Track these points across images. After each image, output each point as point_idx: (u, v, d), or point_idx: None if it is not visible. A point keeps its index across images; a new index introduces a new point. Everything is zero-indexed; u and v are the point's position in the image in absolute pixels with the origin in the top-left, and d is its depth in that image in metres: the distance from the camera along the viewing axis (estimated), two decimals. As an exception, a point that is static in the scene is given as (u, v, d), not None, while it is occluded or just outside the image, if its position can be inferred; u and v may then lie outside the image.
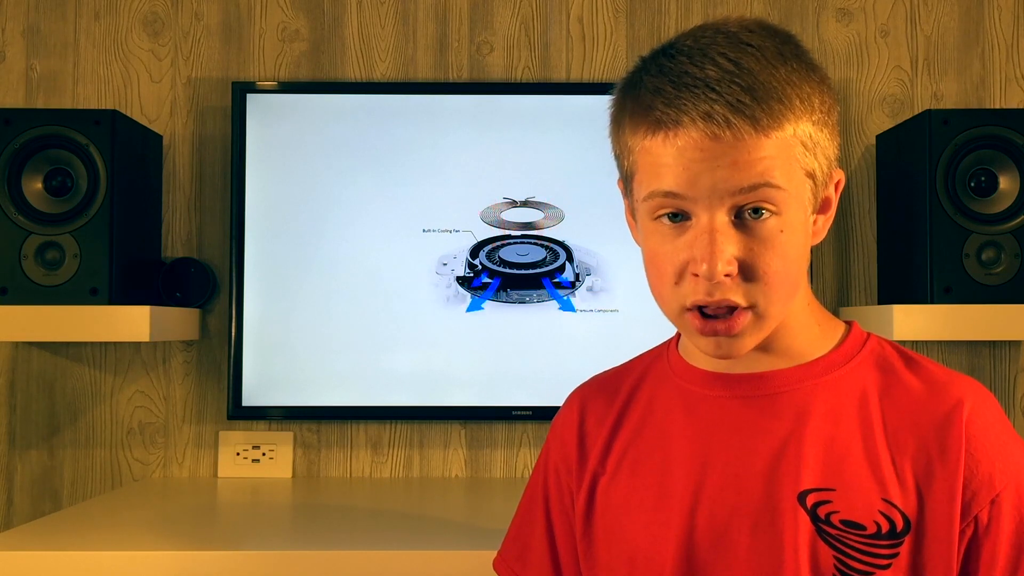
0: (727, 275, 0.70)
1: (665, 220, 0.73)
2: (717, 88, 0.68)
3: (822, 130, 0.73)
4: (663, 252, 0.73)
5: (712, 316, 0.72)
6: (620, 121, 0.77)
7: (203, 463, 1.73)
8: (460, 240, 1.68)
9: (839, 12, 1.78)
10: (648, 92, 0.72)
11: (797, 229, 0.72)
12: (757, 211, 0.70)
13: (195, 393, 1.74)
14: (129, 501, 1.53)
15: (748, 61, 0.69)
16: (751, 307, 0.72)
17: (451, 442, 1.74)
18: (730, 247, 0.69)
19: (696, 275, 0.71)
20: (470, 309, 1.67)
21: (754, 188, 0.69)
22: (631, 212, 0.80)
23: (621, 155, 0.78)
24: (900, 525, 0.71)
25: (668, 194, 0.71)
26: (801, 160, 0.71)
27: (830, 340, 0.80)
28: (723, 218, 0.70)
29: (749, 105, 0.68)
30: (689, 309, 0.73)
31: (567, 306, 1.67)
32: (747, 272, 0.71)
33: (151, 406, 1.74)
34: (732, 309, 0.72)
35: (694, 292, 0.72)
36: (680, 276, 0.72)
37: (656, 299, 0.77)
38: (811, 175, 0.73)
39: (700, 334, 0.73)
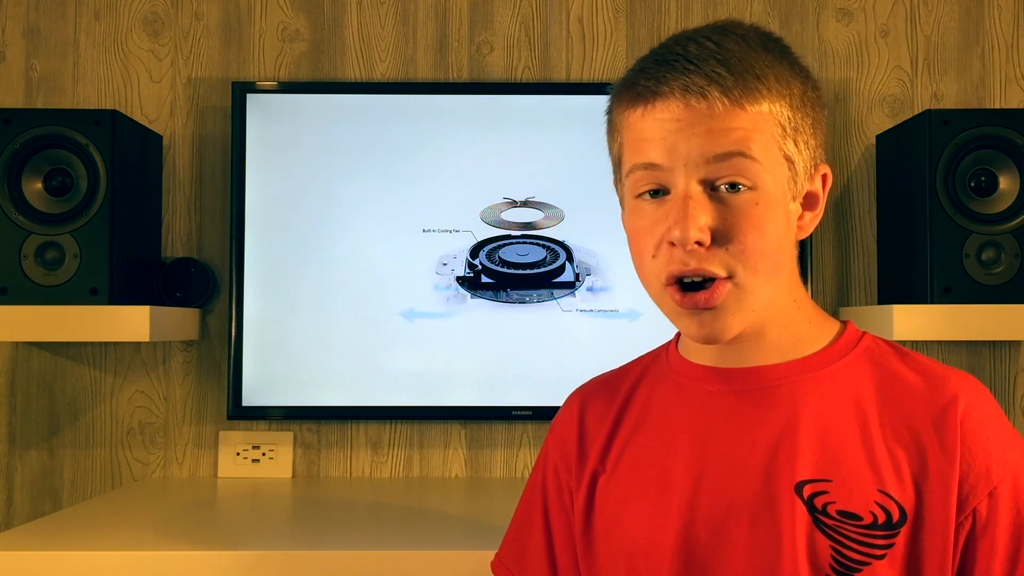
0: (699, 242, 0.71)
1: (646, 197, 0.75)
2: (695, 62, 0.72)
3: (803, 119, 0.75)
4: (643, 227, 0.76)
5: (692, 290, 0.74)
6: (611, 108, 0.81)
7: (203, 463, 1.73)
8: (460, 240, 1.68)
9: (839, 12, 1.78)
10: (634, 71, 0.76)
11: (774, 206, 0.74)
12: (734, 186, 0.72)
13: (195, 393, 1.74)
14: (129, 501, 1.53)
15: (729, 43, 0.73)
16: (730, 277, 0.73)
17: (451, 442, 1.74)
18: (703, 215, 0.72)
19: (672, 244, 0.73)
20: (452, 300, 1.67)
21: (728, 156, 0.71)
22: (622, 202, 0.82)
23: (612, 141, 0.81)
24: (896, 516, 0.71)
25: (648, 166, 0.74)
26: (779, 141, 0.73)
27: (824, 337, 0.81)
28: (697, 187, 0.72)
29: (725, 77, 0.71)
30: (669, 284, 0.74)
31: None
32: (721, 240, 0.72)
33: (151, 406, 1.74)
34: (711, 281, 0.73)
35: (670, 262, 0.74)
36: (657, 248, 0.75)
37: (640, 279, 0.79)
38: (789, 159, 0.74)
39: (680, 307, 0.75)
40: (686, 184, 0.72)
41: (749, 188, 0.72)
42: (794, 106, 0.74)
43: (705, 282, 0.73)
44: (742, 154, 0.71)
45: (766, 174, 0.73)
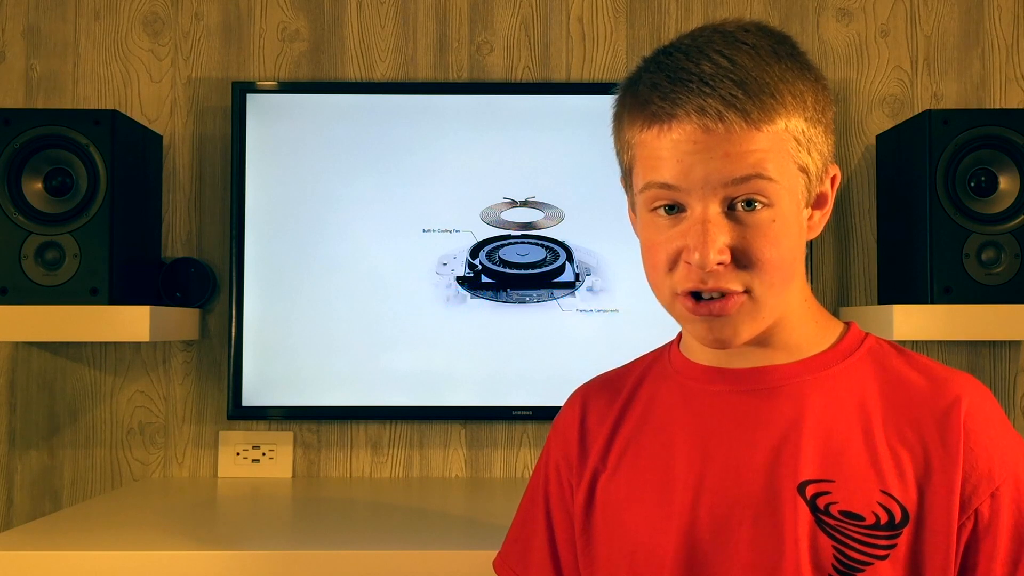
0: (719, 264, 0.71)
1: (661, 212, 0.75)
2: (711, 83, 0.70)
3: (815, 127, 0.75)
4: (658, 241, 0.76)
5: (706, 299, 0.74)
6: (620, 117, 0.79)
7: (203, 463, 1.73)
8: (460, 240, 1.68)
9: (839, 12, 1.78)
10: (646, 87, 0.74)
11: (790, 220, 0.74)
12: (750, 203, 0.72)
13: (195, 393, 1.74)
14: (129, 501, 1.53)
15: (742, 58, 0.72)
16: (746, 291, 0.73)
17: (451, 442, 1.74)
18: (722, 236, 0.71)
19: (689, 263, 0.73)
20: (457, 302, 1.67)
21: (746, 179, 0.71)
22: (632, 208, 0.82)
23: (621, 151, 0.80)
24: (899, 517, 0.71)
25: (663, 185, 0.73)
26: (794, 154, 0.73)
27: (828, 338, 0.81)
28: (716, 208, 0.72)
29: (741, 99, 0.70)
30: (681, 294, 0.75)
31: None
32: (740, 259, 0.72)
33: (151, 406, 1.74)
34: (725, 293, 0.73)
35: (686, 280, 0.74)
36: (673, 264, 0.75)
37: (651, 287, 0.79)
38: (804, 170, 0.74)
39: (693, 314, 0.75)
40: (704, 207, 0.72)
41: (766, 205, 0.72)
42: (807, 117, 0.73)
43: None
44: (760, 176, 0.71)
45: (783, 191, 0.73)
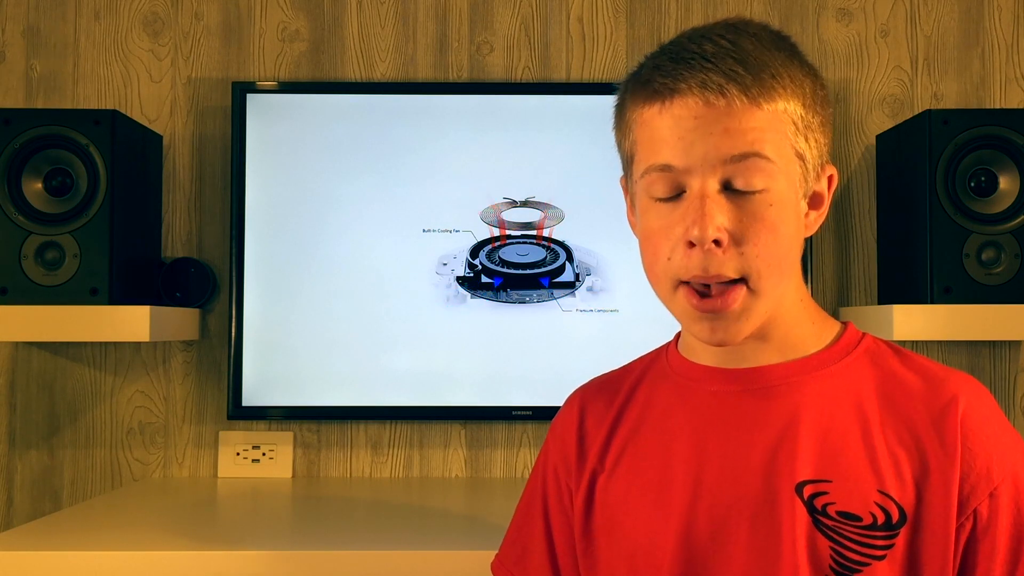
0: (716, 242, 0.71)
1: (661, 197, 0.75)
2: (713, 60, 0.72)
3: (814, 117, 0.75)
4: (658, 228, 0.76)
5: (707, 295, 0.74)
6: (622, 104, 0.80)
7: (203, 463, 1.73)
8: (460, 240, 1.68)
9: (839, 12, 1.78)
10: (648, 68, 0.76)
11: (787, 206, 0.74)
12: (747, 184, 0.72)
13: (195, 393, 1.74)
14: (129, 501, 1.53)
15: (744, 42, 0.73)
16: (744, 280, 0.73)
17: (451, 442, 1.74)
18: (720, 215, 0.72)
19: (689, 245, 0.73)
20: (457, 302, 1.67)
21: (744, 157, 0.71)
22: (631, 207, 0.82)
23: (622, 139, 0.81)
24: (896, 517, 0.71)
25: (664, 167, 0.74)
26: (792, 139, 0.74)
27: (825, 337, 0.81)
28: (714, 186, 0.72)
29: (742, 75, 0.71)
30: (684, 282, 0.74)
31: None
32: (737, 242, 0.72)
33: (151, 406, 1.74)
34: (725, 284, 0.73)
35: (687, 267, 0.73)
36: (673, 250, 0.74)
37: (650, 279, 0.79)
38: (801, 156, 0.75)
39: (696, 310, 0.75)
40: (703, 184, 0.72)
41: (764, 189, 0.72)
42: (806, 104, 0.74)
43: (719, 286, 0.74)
44: (758, 155, 0.72)
45: (780, 174, 0.73)
